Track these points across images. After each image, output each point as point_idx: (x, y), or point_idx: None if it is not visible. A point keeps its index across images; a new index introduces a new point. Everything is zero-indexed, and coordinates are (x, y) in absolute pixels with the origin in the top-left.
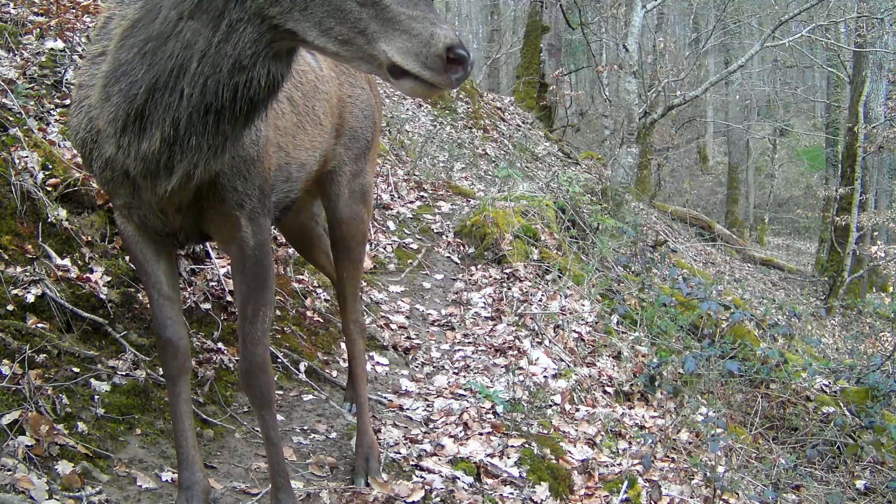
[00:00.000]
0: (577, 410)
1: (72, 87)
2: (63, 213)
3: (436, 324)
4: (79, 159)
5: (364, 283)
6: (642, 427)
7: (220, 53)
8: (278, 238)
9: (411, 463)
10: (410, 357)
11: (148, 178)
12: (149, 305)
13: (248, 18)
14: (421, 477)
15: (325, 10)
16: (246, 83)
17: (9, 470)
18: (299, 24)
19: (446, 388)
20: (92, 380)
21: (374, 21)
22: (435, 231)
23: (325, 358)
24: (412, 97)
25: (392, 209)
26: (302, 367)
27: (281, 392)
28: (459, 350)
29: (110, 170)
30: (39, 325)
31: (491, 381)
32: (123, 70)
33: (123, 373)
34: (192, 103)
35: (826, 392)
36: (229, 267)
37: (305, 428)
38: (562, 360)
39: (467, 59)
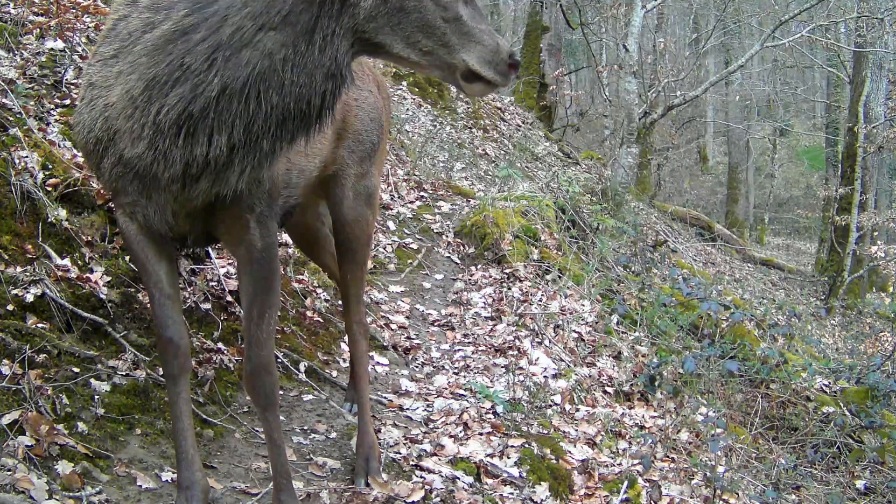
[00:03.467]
0: (577, 410)
1: (72, 87)
2: (63, 213)
3: (436, 324)
4: (79, 159)
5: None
6: (642, 427)
7: (315, 63)
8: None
9: (411, 463)
10: (410, 357)
11: (177, 182)
12: (150, 305)
13: (343, 33)
14: (421, 477)
15: (416, 26)
16: (333, 90)
17: (9, 470)
18: (387, 38)
19: (446, 388)
20: (92, 380)
21: (455, 35)
22: (435, 231)
23: (325, 358)
24: (477, 96)
25: (392, 209)
26: (302, 367)
27: (281, 392)
28: (459, 350)
29: (123, 167)
30: (39, 325)
31: (491, 381)
32: (181, 75)
33: (123, 373)
34: (279, 109)
35: (826, 392)
36: (230, 267)
37: (305, 428)
38: (562, 360)
39: (520, 63)
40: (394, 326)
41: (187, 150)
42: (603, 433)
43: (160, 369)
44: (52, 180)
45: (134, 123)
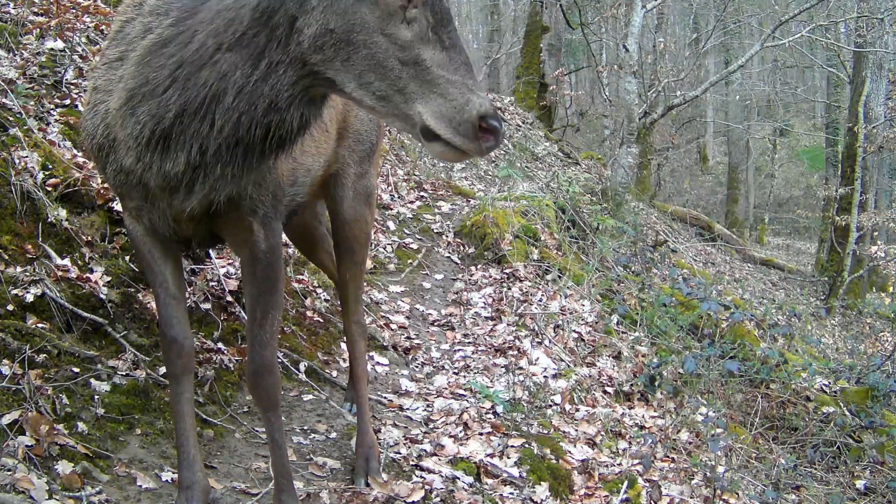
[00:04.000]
0: (577, 410)
1: (72, 87)
2: (63, 213)
3: (436, 324)
4: (79, 159)
5: (364, 283)
6: (642, 427)
7: (256, 92)
8: None
9: (411, 463)
10: (410, 357)
11: (167, 192)
12: (155, 304)
13: (288, 62)
14: (421, 477)
15: (367, 63)
16: (279, 123)
17: (9, 470)
18: (339, 75)
19: (446, 388)
20: (92, 380)
21: (414, 81)
22: (435, 231)
23: (325, 358)
24: (441, 161)
25: (392, 209)
26: (302, 367)
27: (281, 392)
28: (459, 350)
29: (124, 175)
30: (39, 325)
31: (491, 381)
32: (151, 89)
33: (123, 373)
34: (224, 135)
35: (826, 392)
36: (230, 267)
37: (305, 428)
38: (562, 360)
39: (499, 129)
40: (394, 326)
41: (163, 163)
42: (603, 433)
43: (160, 369)
44: (52, 180)
45: (125, 133)
